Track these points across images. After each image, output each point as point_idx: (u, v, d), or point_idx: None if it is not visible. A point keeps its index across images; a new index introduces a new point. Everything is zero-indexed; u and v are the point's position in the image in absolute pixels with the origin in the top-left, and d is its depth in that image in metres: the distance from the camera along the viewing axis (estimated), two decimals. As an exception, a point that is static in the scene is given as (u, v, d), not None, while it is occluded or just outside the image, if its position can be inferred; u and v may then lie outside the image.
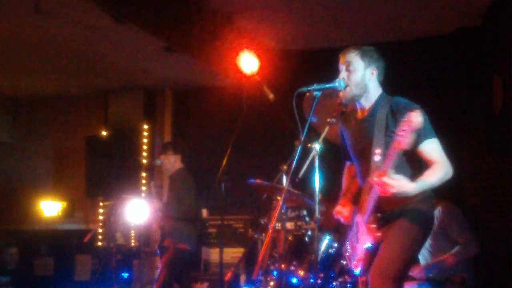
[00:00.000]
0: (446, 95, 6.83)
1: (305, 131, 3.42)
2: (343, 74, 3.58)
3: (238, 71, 6.44)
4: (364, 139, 3.54)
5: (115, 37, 7.00)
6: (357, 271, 3.71)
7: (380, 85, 3.65)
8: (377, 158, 3.38)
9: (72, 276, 8.99)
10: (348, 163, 4.03)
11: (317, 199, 3.78)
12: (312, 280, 4.81)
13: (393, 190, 3.15)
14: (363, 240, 3.61)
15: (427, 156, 3.37)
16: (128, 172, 8.74)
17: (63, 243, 9.20)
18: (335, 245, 5.12)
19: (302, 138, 3.41)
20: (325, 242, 5.09)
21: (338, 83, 3.54)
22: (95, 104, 9.43)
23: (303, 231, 5.16)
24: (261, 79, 6.31)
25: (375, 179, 3.20)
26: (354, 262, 3.77)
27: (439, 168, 3.33)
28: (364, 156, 3.54)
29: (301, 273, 4.92)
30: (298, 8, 6.55)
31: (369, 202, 3.48)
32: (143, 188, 8.88)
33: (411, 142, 3.05)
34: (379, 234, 3.49)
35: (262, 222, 5.39)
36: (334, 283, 5.10)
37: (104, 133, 9.06)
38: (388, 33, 7.00)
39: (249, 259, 6.80)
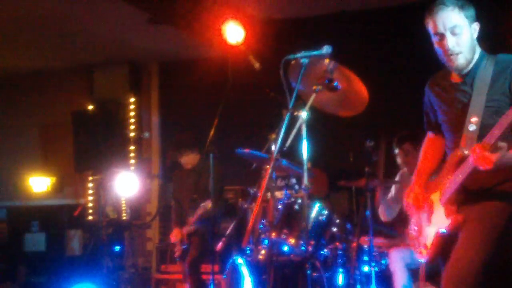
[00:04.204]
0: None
1: (293, 99, 3.39)
2: (450, 42, 2.98)
3: (224, 41, 6.41)
4: (460, 106, 3.06)
5: (97, 10, 6.93)
6: (422, 258, 3.19)
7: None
8: (471, 127, 2.91)
9: (63, 251, 9.00)
10: (430, 135, 3.45)
11: (305, 167, 3.77)
12: (303, 248, 4.84)
13: (491, 165, 2.64)
14: (437, 223, 3.04)
15: None
16: (116, 145, 8.72)
17: (54, 218, 9.19)
18: (325, 212, 5.15)
19: (290, 107, 3.38)
20: (315, 210, 5.12)
21: (326, 49, 3.43)
22: (80, 78, 9.34)
23: (293, 199, 5.18)
24: (246, 49, 6.29)
25: (477, 150, 2.67)
26: (419, 248, 3.21)
27: None
28: (458, 125, 3.03)
29: (292, 241, 4.95)
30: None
31: (455, 179, 2.95)
32: (132, 161, 8.87)
33: None
34: (459, 217, 2.93)
35: (251, 191, 5.39)
36: (325, 250, 5.15)
37: (90, 107, 9.01)
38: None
39: (240, 229, 6.82)
